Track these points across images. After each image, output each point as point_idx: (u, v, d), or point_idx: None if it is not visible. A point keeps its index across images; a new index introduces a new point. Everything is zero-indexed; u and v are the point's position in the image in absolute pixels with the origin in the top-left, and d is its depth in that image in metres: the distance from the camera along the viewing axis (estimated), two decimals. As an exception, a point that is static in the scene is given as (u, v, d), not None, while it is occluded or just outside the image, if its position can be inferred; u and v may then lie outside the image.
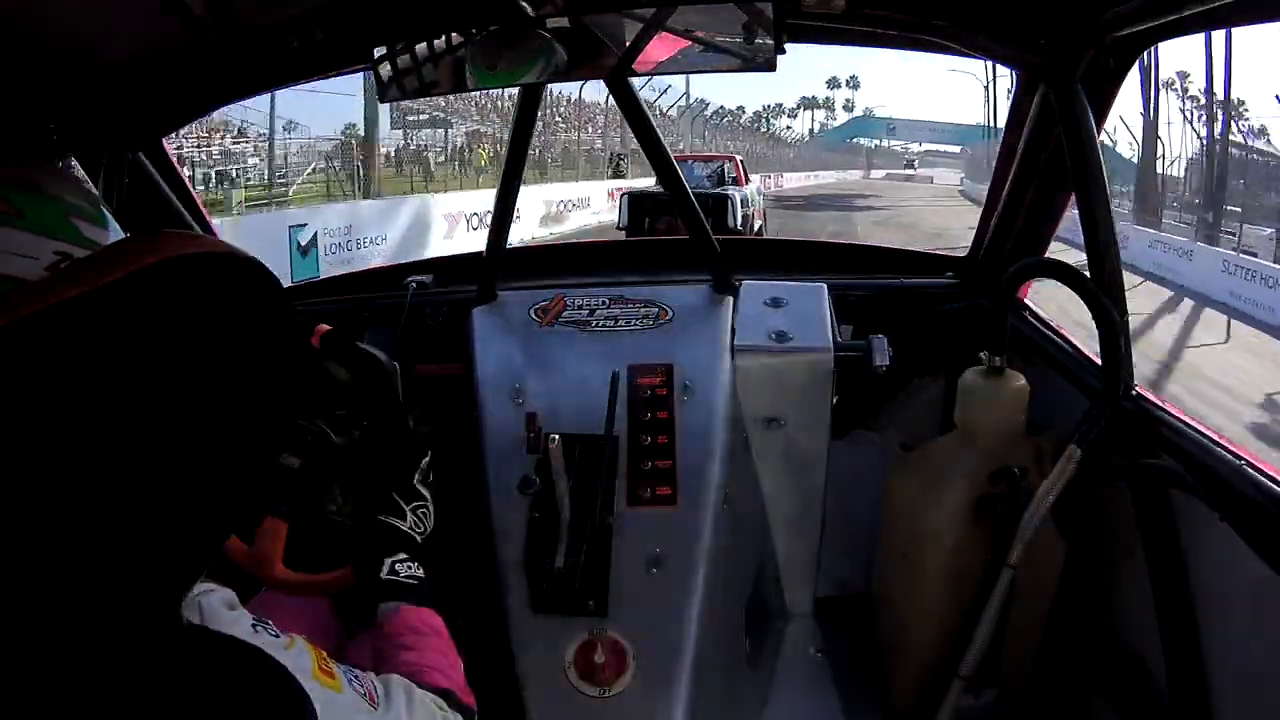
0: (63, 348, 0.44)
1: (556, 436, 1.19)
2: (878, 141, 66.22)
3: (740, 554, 1.48)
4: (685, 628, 1.22)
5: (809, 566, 1.67)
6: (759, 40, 1.15)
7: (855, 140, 63.56)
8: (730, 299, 1.57)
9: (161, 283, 0.46)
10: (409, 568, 0.97)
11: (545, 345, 1.51)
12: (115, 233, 0.54)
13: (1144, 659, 1.27)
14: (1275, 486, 1.01)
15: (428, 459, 1.08)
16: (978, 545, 1.31)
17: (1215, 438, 1.14)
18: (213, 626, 0.55)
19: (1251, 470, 1.05)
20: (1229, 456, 1.09)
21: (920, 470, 1.46)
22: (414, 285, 1.64)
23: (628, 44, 1.18)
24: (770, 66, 1.16)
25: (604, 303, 1.57)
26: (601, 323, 1.54)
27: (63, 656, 0.45)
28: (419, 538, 1.03)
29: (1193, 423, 1.20)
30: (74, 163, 1.38)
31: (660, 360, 1.44)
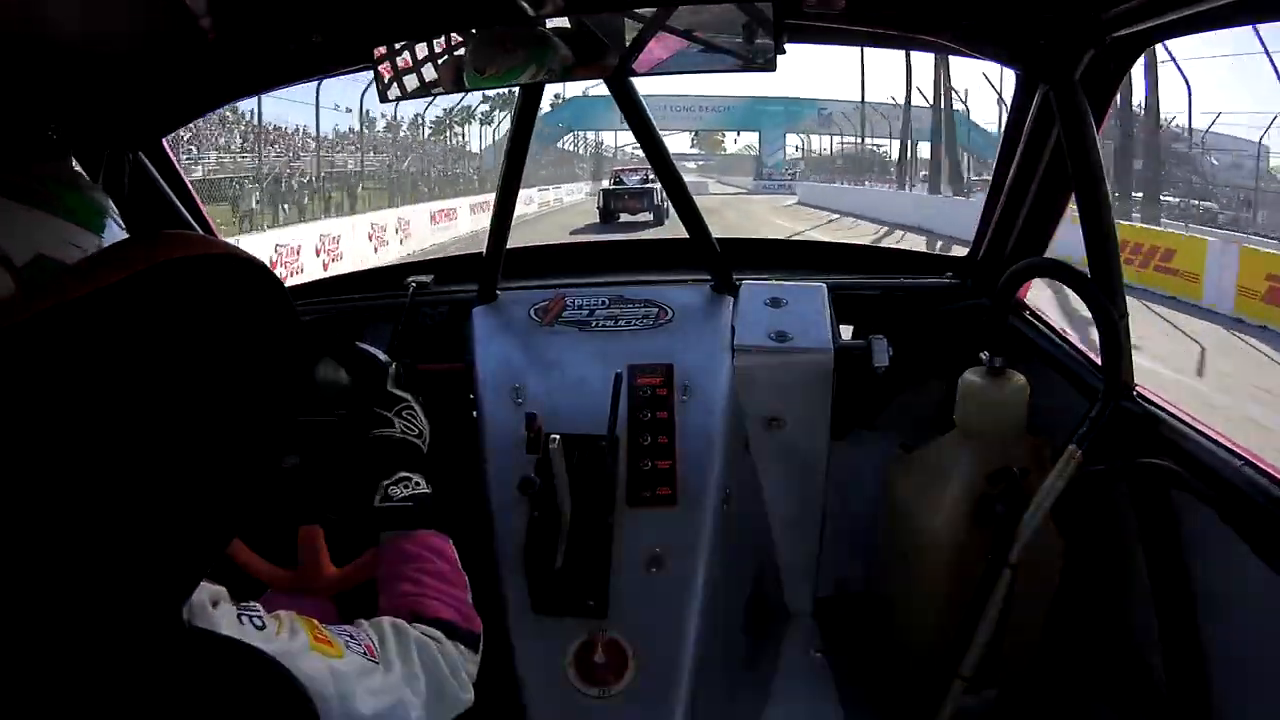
0: (64, 349, 0.44)
1: (557, 436, 1.19)
2: (593, 135, 43.17)
3: (740, 554, 1.48)
4: (685, 628, 1.22)
5: (809, 566, 1.67)
6: (759, 40, 1.15)
7: (564, 143, 39.44)
8: (730, 299, 1.57)
9: (164, 284, 0.46)
10: (404, 487, 0.92)
11: (545, 345, 1.51)
12: (125, 234, 0.55)
13: (1144, 659, 1.27)
14: (1275, 486, 1.01)
15: (394, 366, 1.05)
16: (978, 545, 1.31)
17: (1215, 437, 1.14)
18: (198, 623, 0.54)
19: (1251, 470, 1.05)
20: (1229, 456, 1.09)
21: (920, 470, 1.46)
22: (414, 285, 1.64)
23: (628, 44, 1.18)
24: (770, 66, 1.16)
25: (604, 303, 1.57)
26: (601, 323, 1.54)
27: (64, 659, 0.45)
28: (417, 440, 0.99)
29: (1193, 422, 1.20)
30: (74, 163, 1.38)
31: (660, 360, 1.44)
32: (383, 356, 1.07)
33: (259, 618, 0.58)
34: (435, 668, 0.72)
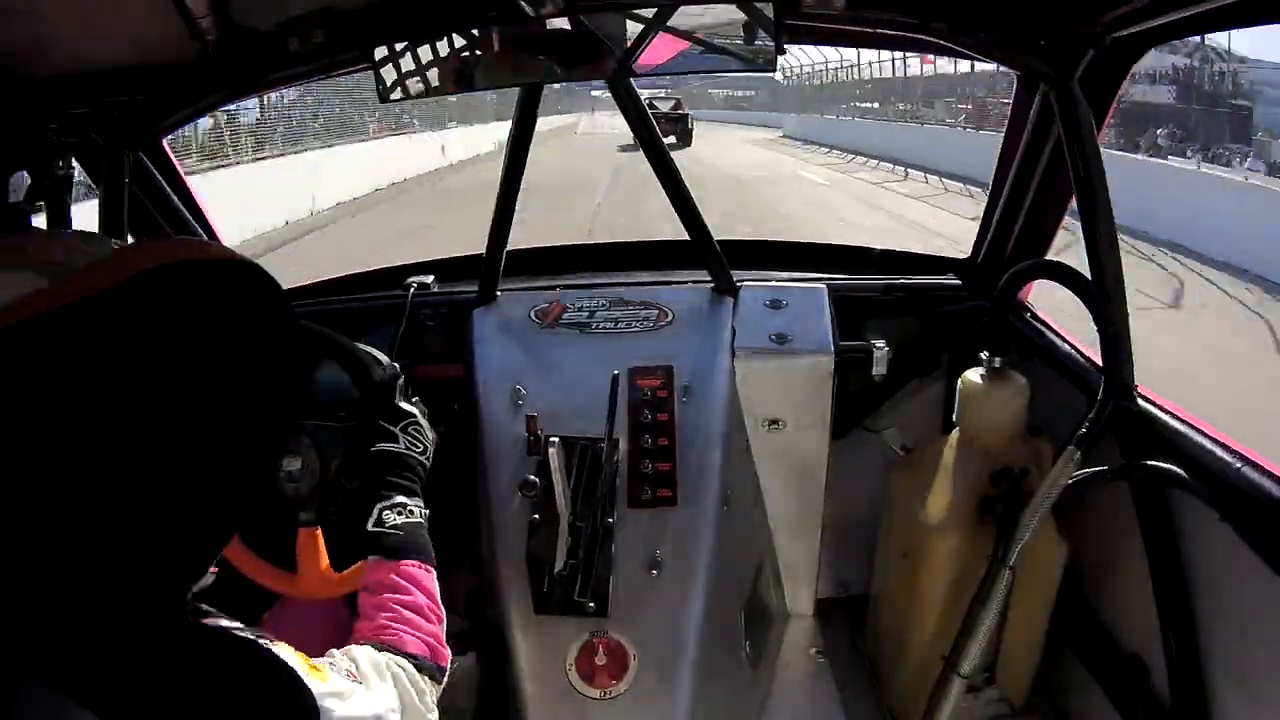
0: (62, 352, 0.44)
1: (557, 438, 1.19)
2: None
3: (740, 555, 1.48)
4: (685, 629, 1.22)
5: (809, 566, 1.67)
6: (759, 40, 1.15)
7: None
8: (730, 300, 1.57)
9: (165, 287, 0.47)
10: (398, 513, 0.92)
11: (545, 347, 1.51)
12: None
13: (1144, 659, 1.27)
14: (1275, 486, 1.01)
15: (402, 379, 1.05)
16: (978, 545, 1.31)
17: (1215, 437, 1.14)
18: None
19: (1251, 470, 1.05)
20: (1229, 457, 1.09)
21: (920, 470, 1.46)
22: (414, 286, 1.64)
23: (628, 44, 1.18)
24: (771, 66, 1.16)
25: (604, 304, 1.57)
26: (601, 324, 1.54)
27: (71, 650, 0.45)
28: (420, 457, 0.99)
29: (1193, 422, 1.20)
30: (74, 163, 1.38)
31: (660, 362, 1.44)
32: (386, 360, 1.07)
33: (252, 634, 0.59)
34: (405, 692, 0.74)
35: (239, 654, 0.53)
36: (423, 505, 0.95)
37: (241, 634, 0.55)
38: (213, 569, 0.59)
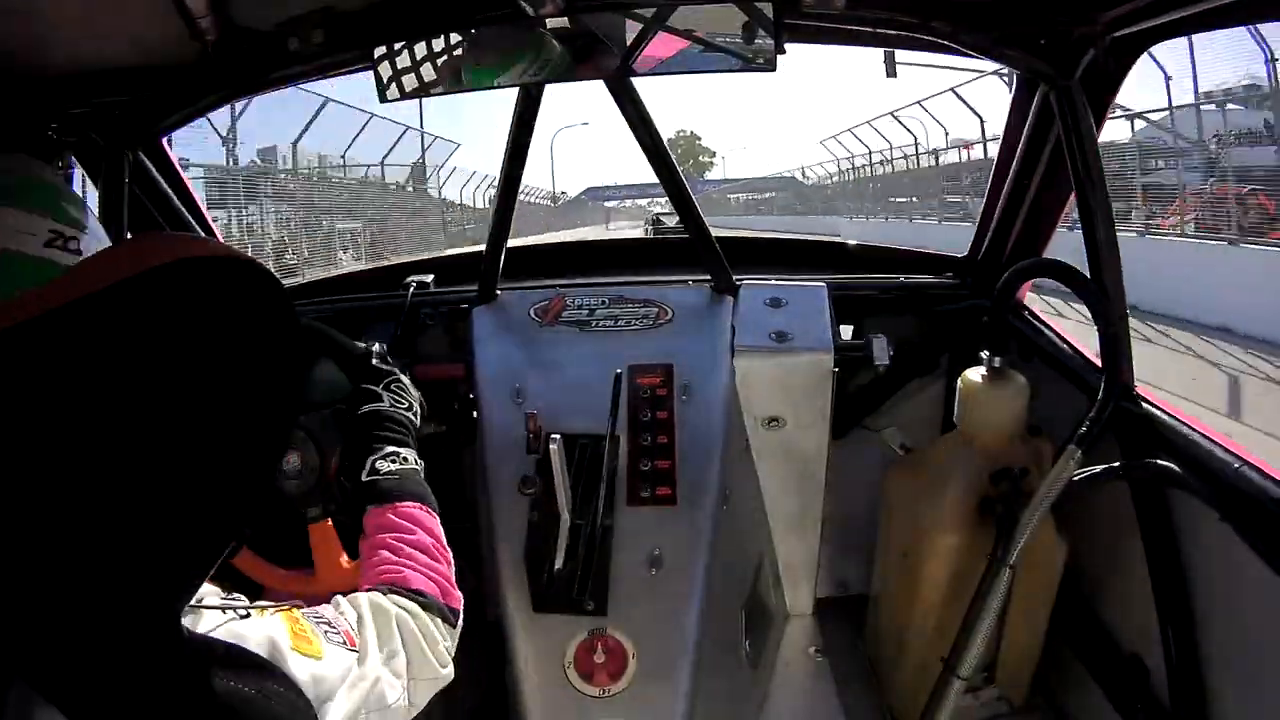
0: (68, 348, 0.43)
1: (557, 436, 1.19)
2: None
3: (740, 554, 1.48)
4: (685, 627, 1.22)
5: (809, 566, 1.67)
6: (759, 40, 1.15)
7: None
8: (730, 299, 1.57)
9: (167, 285, 0.46)
10: (391, 461, 0.91)
11: (545, 345, 1.51)
12: (91, 214, 0.55)
13: (1143, 659, 1.27)
14: (1275, 486, 1.01)
15: (377, 345, 1.05)
16: (978, 545, 1.31)
17: (1215, 438, 1.14)
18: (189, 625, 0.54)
19: (1251, 470, 1.05)
20: (1228, 457, 1.09)
21: (920, 470, 1.46)
22: (414, 285, 1.64)
23: (628, 44, 1.18)
24: (770, 66, 1.16)
25: (604, 303, 1.57)
26: (601, 323, 1.54)
27: (63, 662, 0.45)
28: (406, 413, 0.98)
29: (1192, 423, 1.20)
30: (74, 162, 1.38)
31: (660, 360, 1.44)
32: (363, 344, 1.07)
33: (242, 605, 0.59)
34: (414, 641, 0.72)
35: (231, 671, 0.52)
36: (416, 455, 0.94)
37: (233, 643, 0.54)
38: None
